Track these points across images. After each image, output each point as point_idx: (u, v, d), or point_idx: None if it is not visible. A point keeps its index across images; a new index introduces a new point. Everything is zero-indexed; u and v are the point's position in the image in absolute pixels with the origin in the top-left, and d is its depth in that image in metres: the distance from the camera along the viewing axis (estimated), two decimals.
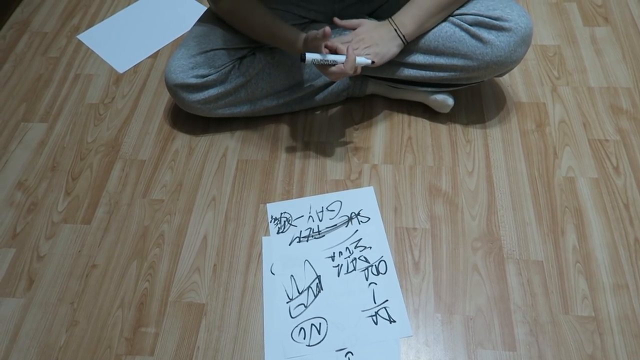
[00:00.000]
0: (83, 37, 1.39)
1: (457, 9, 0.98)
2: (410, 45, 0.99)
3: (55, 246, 0.98)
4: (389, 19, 0.97)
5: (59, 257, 0.97)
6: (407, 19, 0.95)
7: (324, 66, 0.91)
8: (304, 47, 0.92)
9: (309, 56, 0.89)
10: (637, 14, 1.30)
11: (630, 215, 0.95)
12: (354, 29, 0.98)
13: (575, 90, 1.16)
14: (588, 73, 1.19)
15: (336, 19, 0.98)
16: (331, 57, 0.90)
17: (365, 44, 0.95)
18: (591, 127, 1.09)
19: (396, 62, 1.01)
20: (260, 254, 0.95)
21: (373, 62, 0.93)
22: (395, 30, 0.96)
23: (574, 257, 0.91)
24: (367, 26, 0.97)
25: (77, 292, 0.92)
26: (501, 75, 1.03)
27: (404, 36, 0.96)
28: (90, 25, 1.42)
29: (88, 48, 1.36)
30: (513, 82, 1.18)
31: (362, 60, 0.92)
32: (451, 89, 1.06)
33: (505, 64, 0.97)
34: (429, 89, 1.06)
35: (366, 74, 1.09)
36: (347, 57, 0.89)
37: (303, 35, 0.94)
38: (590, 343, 0.82)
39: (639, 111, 1.11)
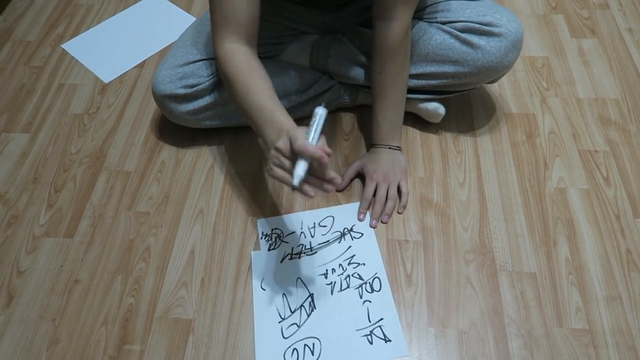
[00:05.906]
0: (67, 46, 1.37)
1: (446, 17, 0.98)
2: None
3: (36, 261, 0.95)
4: (377, 145, 1.00)
5: (40, 272, 0.94)
6: (386, 133, 0.99)
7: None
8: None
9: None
10: (623, 26, 1.32)
11: (622, 226, 0.95)
12: (356, 175, 1.02)
13: (564, 101, 1.16)
14: (576, 84, 1.19)
15: (339, 188, 1.01)
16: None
17: (384, 178, 0.98)
18: (581, 138, 1.09)
19: None
20: (249, 268, 0.92)
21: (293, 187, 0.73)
22: (389, 147, 0.99)
23: (566, 269, 0.90)
24: (369, 165, 0.99)
25: (58, 309, 0.89)
26: (493, 81, 1.03)
27: (397, 147, 1.00)
28: (75, 34, 1.40)
29: (72, 57, 1.33)
30: (502, 93, 1.19)
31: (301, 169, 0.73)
32: (443, 96, 1.05)
33: (497, 69, 0.96)
34: (421, 97, 1.06)
35: (357, 84, 1.08)
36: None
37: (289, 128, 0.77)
38: (585, 356, 0.81)
39: (627, 122, 1.11)
